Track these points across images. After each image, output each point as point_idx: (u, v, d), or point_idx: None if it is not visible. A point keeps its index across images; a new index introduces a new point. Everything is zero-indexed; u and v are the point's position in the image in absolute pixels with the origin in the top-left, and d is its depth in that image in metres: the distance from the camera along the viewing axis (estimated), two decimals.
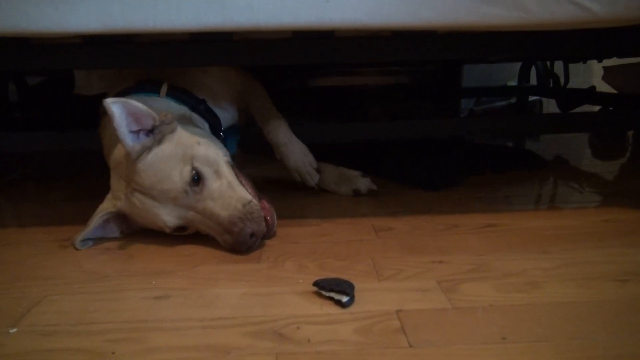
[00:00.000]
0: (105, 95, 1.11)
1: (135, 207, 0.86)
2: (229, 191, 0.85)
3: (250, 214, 0.84)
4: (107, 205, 0.91)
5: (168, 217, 0.85)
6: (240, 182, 0.88)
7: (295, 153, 1.13)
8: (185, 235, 0.90)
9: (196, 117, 1.03)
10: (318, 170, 1.17)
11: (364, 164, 1.28)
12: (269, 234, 0.89)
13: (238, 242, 0.82)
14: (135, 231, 0.95)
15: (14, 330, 0.63)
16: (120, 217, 0.92)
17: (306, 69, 2.21)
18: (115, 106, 0.80)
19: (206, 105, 1.07)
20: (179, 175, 0.83)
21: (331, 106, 2.12)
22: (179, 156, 0.84)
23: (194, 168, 0.84)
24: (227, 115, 1.15)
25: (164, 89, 1.02)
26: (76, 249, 0.90)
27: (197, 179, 0.84)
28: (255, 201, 0.86)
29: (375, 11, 0.84)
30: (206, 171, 0.85)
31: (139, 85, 1.03)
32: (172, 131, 0.87)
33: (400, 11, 0.84)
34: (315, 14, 0.83)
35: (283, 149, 1.12)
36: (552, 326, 0.59)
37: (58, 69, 1.64)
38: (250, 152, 1.32)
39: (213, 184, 0.85)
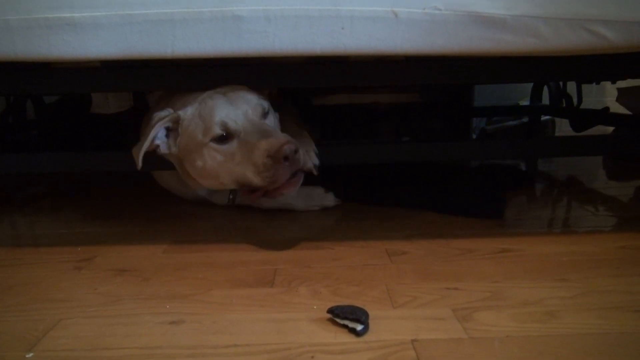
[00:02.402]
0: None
1: (204, 108, 0.92)
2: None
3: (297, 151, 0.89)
4: (165, 114, 0.95)
5: (230, 116, 0.91)
6: None
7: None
8: (221, 142, 0.93)
9: None
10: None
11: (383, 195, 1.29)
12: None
13: (283, 149, 0.85)
14: (151, 259, 0.95)
15: (31, 355, 0.63)
16: (170, 131, 0.97)
17: (316, 87, 2.22)
18: None
19: None
20: (259, 97, 0.96)
21: (340, 124, 2.12)
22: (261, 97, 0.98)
23: (269, 106, 0.97)
24: None
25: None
26: (139, 168, 0.93)
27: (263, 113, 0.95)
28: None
29: (389, 38, 0.85)
30: (271, 117, 0.98)
31: None
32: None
33: (414, 38, 0.85)
34: (330, 41, 0.84)
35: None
36: None
37: (78, 92, 1.66)
38: None
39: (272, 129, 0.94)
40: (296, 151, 0.87)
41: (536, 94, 2.12)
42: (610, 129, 1.72)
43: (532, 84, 2.13)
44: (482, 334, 0.65)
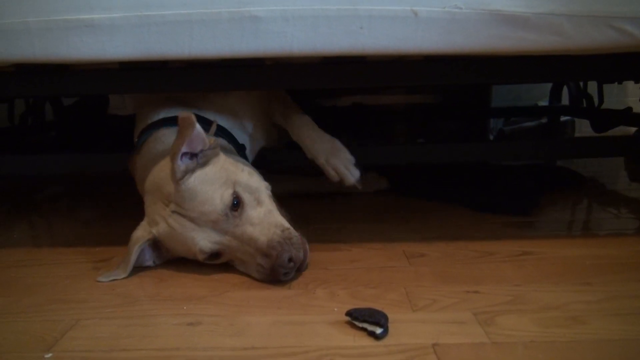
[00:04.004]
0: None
1: (173, 231, 0.85)
2: (269, 217, 0.85)
3: (289, 239, 0.83)
4: (142, 234, 0.90)
5: (204, 241, 0.84)
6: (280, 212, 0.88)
7: (325, 147, 1.06)
8: (217, 264, 0.89)
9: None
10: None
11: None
12: (302, 265, 0.86)
13: (276, 265, 0.80)
14: (168, 261, 0.95)
15: (50, 355, 0.64)
16: (154, 245, 0.92)
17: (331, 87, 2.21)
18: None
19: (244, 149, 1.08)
20: (220, 198, 0.82)
21: (356, 125, 2.11)
22: (222, 180, 0.85)
23: (235, 192, 0.84)
24: (256, 142, 1.16)
25: (213, 127, 0.99)
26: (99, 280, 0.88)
27: (236, 204, 0.84)
28: (293, 229, 0.85)
29: (408, 37, 0.84)
30: (246, 197, 0.85)
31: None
32: (216, 156, 0.88)
33: (433, 37, 0.84)
34: (348, 41, 0.83)
35: (309, 144, 1.07)
36: None
37: (96, 94, 1.67)
38: (276, 172, 1.33)
39: (252, 211, 0.85)
40: (290, 259, 0.81)
41: (555, 94, 2.08)
42: (633, 129, 1.67)
43: (550, 84, 2.10)
44: (505, 338, 0.63)
